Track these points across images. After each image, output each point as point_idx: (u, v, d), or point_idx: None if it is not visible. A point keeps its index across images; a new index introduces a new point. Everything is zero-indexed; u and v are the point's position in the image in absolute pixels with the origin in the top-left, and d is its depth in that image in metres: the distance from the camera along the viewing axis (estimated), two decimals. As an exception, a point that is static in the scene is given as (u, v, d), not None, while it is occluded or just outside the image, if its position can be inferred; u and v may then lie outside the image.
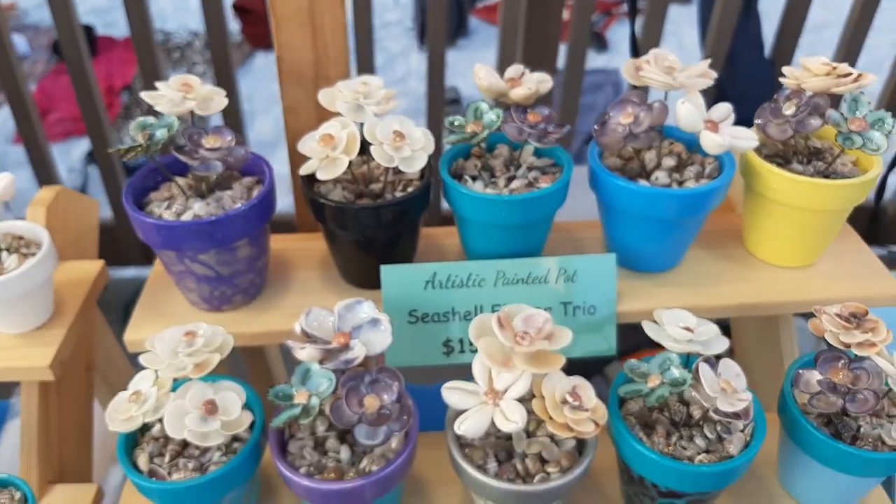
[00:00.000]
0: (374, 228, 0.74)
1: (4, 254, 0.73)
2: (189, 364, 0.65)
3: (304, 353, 0.65)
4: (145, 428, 0.71)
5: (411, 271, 0.75)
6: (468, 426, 0.65)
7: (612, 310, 0.77)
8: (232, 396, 0.67)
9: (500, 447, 0.71)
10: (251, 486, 0.73)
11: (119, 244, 1.50)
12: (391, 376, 0.67)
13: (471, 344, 0.77)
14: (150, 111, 0.72)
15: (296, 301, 0.79)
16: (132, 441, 0.70)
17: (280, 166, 0.96)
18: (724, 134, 0.74)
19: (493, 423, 0.71)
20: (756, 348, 0.91)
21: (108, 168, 1.45)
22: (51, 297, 0.78)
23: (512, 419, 0.64)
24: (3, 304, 0.72)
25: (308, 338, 0.68)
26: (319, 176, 0.72)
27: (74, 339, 0.78)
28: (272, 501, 0.79)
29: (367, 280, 0.79)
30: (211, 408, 0.65)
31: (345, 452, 0.69)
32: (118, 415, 0.66)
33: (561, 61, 1.45)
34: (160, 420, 0.69)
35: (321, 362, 0.66)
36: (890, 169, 1.33)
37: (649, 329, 0.71)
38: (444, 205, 1.47)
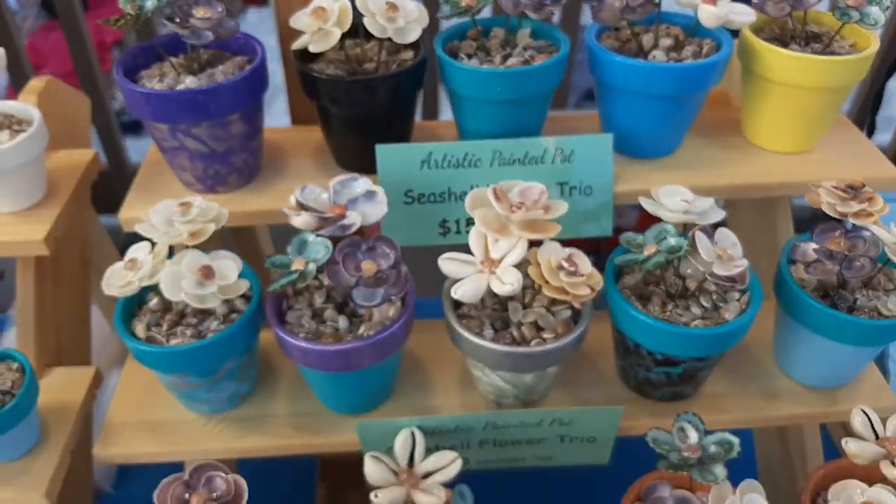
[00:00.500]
0: (367, 104, 0.74)
1: (-5, 130, 0.73)
2: (184, 231, 0.65)
3: (300, 219, 0.65)
4: (142, 302, 0.71)
5: (407, 151, 0.75)
6: (464, 290, 0.65)
7: (608, 191, 0.77)
8: (228, 264, 0.67)
9: (496, 317, 0.71)
10: (249, 359, 0.73)
11: (118, 197, 1.49)
12: (388, 244, 0.67)
13: (467, 224, 0.78)
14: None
15: (290, 185, 0.78)
16: (129, 313, 0.70)
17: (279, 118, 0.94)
18: (722, 6, 0.73)
19: (488, 292, 0.72)
20: (753, 237, 0.91)
21: (104, 124, 1.43)
22: (43, 177, 0.77)
23: (507, 281, 0.64)
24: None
25: (304, 209, 0.67)
26: (312, 49, 0.71)
27: (68, 220, 0.78)
28: (270, 381, 0.79)
29: (361, 163, 0.78)
30: (207, 272, 0.65)
31: (343, 322, 0.69)
32: (115, 281, 0.66)
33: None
34: (157, 293, 0.70)
35: (317, 231, 0.65)
36: (888, 76, 1.32)
37: (646, 203, 0.71)
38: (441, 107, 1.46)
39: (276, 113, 1.45)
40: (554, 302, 0.72)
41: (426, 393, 0.78)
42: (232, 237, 1.03)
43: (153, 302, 0.71)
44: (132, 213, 0.74)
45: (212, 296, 0.64)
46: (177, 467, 0.67)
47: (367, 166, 0.76)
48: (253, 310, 0.69)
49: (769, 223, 0.89)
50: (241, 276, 0.68)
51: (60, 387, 0.80)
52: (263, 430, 0.75)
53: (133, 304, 0.71)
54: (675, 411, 0.68)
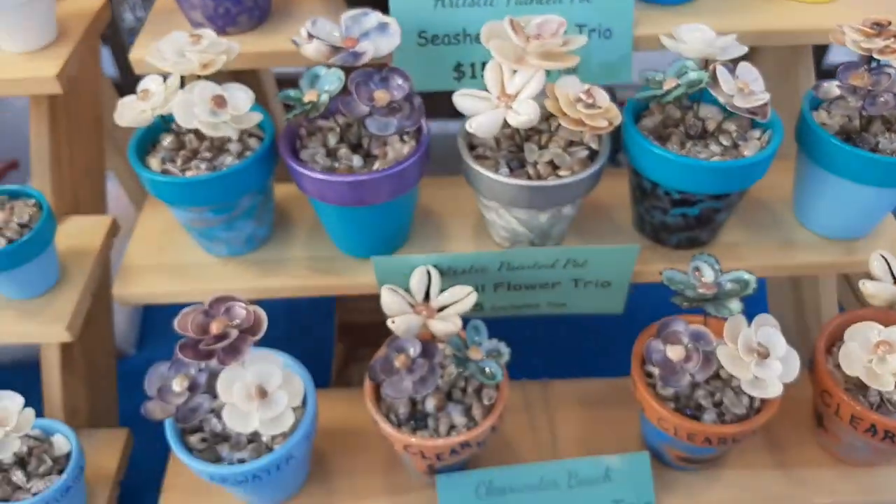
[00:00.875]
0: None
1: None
2: (196, 61, 0.64)
3: (312, 47, 0.64)
4: (156, 141, 0.71)
5: (420, -13, 0.73)
6: (479, 123, 0.64)
7: (628, 34, 0.75)
8: (241, 95, 0.66)
9: (511, 158, 0.70)
10: (265, 199, 0.73)
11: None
12: (401, 76, 0.66)
13: (483, 67, 0.76)
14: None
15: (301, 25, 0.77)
16: (143, 150, 0.70)
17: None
18: None
19: (505, 135, 0.71)
20: (775, 89, 0.89)
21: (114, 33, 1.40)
22: (53, 17, 0.76)
23: (524, 112, 0.63)
24: (6, 17, 0.71)
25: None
26: None
27: (80, 62, 0.77)
28: (288, 227, 0.79)
29: (373, 4, 0.76)
30: (220, 101, 0.64)
31: (357, 160, 0.69)
32: (128, 112, 0.66)
33: None
34: (171, 132, 0.69)
35: (328, 61, 0.64)
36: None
37: (667, 41, 0.70)
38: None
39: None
40: (571, 144, 0.71)
41: (441, 240, 0.78)
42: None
43: (168, 140, 0.70)
44: (143, 54, 0.73)
45: (225, 125, 0.64)
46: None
47: (379, 7, 0.73)
48: (267, 145, 0.69)
49: (791, 75, 0.86)
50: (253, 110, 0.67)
51: (78, 233, 0.81)
52: (281, 272, 0.76)
53: (147, 143, 0.71)
54: (690, 258, 0.68)
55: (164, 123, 0.70)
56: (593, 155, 0.70)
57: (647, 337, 0.72)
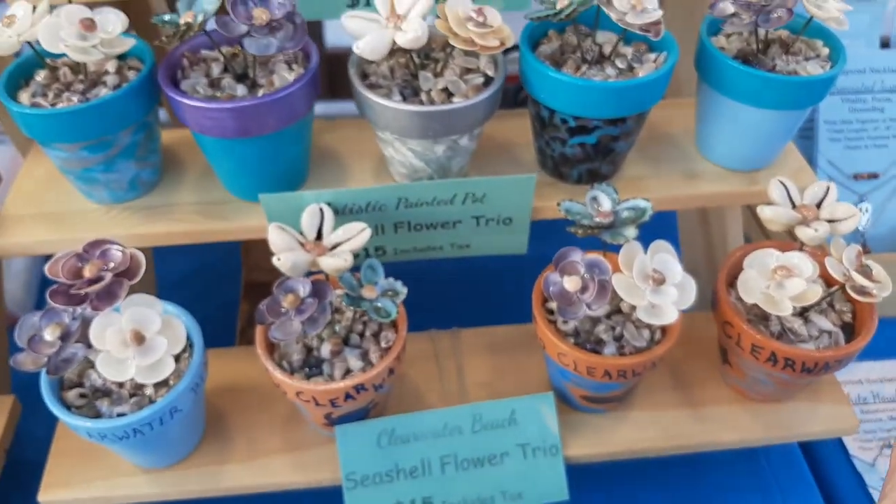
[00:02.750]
0: None
1: None
2: (63, -21, 0.61)
3: (186, -37, 0.61)
4: (29, 78, 0.67)
5: None
6: (366, 44, 0.62)
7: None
8: (111, 17, 0.62)
9: (405, 86, 0.68)
10: (147, 137, 0.69)
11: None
12: (283, -9, 0.63)
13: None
14: None
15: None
16: (15, 85, 0.66)
17: None
18: None
19: (399, 64, 0.69)
20: (674, 22, 0.88)
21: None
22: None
23: (410, 29, 0.61)
24: None
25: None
26: None
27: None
28: (176, 172, 0.76)
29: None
30: (89, 24, 0.61)
31: (241, 89, 0.66)
32: (-11, 37, 0.61)
33: None
34: (45, 67, 0.65)
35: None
36: None
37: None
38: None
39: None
40: (467, 72, 0.69)
41: (339, 181, 0.75)
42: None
43: (41, 76, 0.66)
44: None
45: (94, 49, 0.60)
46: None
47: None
48: (144, 75, 0.65)
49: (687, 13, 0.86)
50: (127, 36, 0.63)
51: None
52: (168, 217, 0.72)
53: (18, 79, 0.67)
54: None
55: (39, 58, 0.66)
56: (489, 83, 0.68)
57: (546, 273, 0.70)
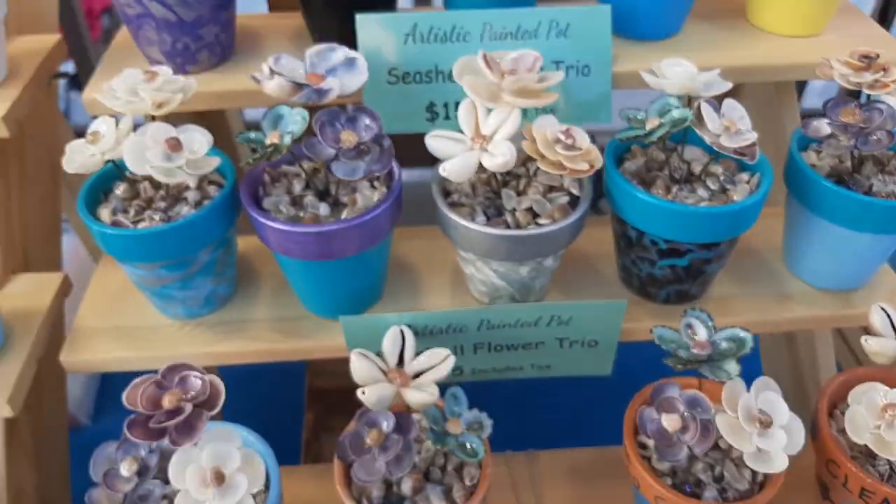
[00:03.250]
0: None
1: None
2: (149, 100, 0.60)
3: (273, 83, 0.60)
4: (108, 191, 0.67)
5: (390, 21, 0.69)
6: (452, 167, 0.60)
7: (607, 70, 0.72)
8: (197, 136, 0.62)
9: (488, 205, 0.66)
10: (225, 253, 0.68)
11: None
12: (370, 116, 0.62)
13: (457, 107, 0.72)
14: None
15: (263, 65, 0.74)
16: (94, 200, 0.66)
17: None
18: None
19: (481, 180, 0.67)
20: (758, 130, 0.87)
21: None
22: (3, 56, 0.72)
23: (499, 153, 0.59)
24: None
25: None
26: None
27: (30, 104, 0.73)
28: (251, 285, 0.74)
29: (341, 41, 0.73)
30: (175, 144, 0.60)
31: (324, 208, 0.64)
32: (77, 156, 0.61)
33: None
34: (125, 180, 0.65)
35: (291, 98, 0.60)
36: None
37: (648, 77, 0.66)
38: None
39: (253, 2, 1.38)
40: (550, 189, 0.67)
41: (417, 297, 0.73)
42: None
43: (120, 189, 0.66)
44: (97, 93, 0.69)
45: (179, 170, 0.59)
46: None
47: (347, 43, 0.70)
48: (226, 193, 0.64)
49: (775, 114, 0.84)
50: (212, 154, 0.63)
51: (26, 293, 0.75)
52: (243, 335, 0.70)
53: (98, 192, 0.66)
54: (680, 313, 0.63)
55: (118, 171, 0.65)
56: (574, 201, 0.66)
57: (638, 403, 0.66)
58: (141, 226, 0.62)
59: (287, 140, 0.60)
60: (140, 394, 0.57)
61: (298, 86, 0.60)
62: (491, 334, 0.68)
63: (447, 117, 0.72)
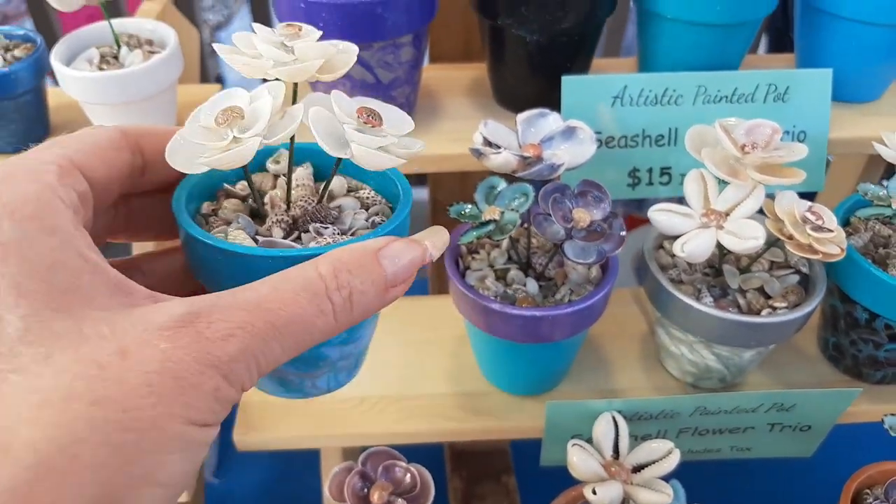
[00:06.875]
0: (558, 22, 0.61)
1: (125, 49, 0.61)
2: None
3: (500, 158, 0.54)
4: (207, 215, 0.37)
5: (597, 84, 0.63)
6: (692, 248, 0.54)
7: (824, 136, 0.66)
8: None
9: (709, 283, 0.60)
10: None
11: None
12: (599, 190, 0.56)
13: (661, 174, 0.67)
14: None
15: (451, 126, 0.68)
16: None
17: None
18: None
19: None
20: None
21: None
22: (174, 111, 0.67)
23: (749, 236, 0.53)
24: (124, 108, 0.61)
25: (490, 146, 0.56)
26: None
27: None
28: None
29: (529, 102, 0.67)
30: (371, 114, 0.34)
31: (531, 285, 0.58)
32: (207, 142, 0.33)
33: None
34: (225, 193, 0.38)
35: (515, 174, 0.54)
36: None
37: (882, 150, 0.60)
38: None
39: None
40: (772, 266, 0.61)
41: (607, 373, 0.68)
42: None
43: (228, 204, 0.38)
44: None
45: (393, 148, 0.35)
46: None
47: (537, 105, 0.64)
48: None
49: None
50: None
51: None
52: (426, 412, 0.64)
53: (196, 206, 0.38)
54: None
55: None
56: (804, 280, 0.60)
57: (854, 485, 0.61)
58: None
59: (511, 217, 0.54)
60: (348, 488, 0.53)
61: (525, 160, 0.54)
62: (703, 420, 0.62)
63: (650, 183, 0.66)
